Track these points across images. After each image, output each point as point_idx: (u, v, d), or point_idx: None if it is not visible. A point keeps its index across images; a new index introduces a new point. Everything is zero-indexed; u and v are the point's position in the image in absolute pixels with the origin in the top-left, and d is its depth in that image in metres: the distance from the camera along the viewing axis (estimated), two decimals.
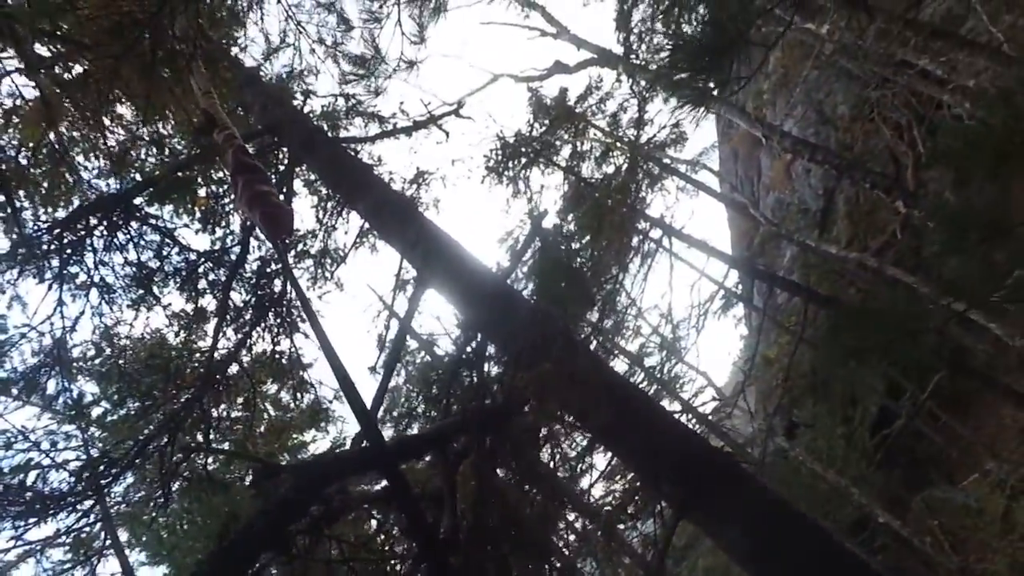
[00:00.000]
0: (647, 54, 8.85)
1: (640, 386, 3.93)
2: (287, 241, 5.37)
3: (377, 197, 5.54)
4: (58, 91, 4.92)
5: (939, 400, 6.55)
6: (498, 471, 3.53)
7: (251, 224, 6.72)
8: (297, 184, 7.42)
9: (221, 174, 6.64)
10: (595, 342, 7.51)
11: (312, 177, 7.42)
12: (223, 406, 5.78)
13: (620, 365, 9.85)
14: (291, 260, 6.94)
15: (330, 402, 7.02)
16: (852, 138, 9.39)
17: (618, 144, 10.38)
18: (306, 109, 7.35)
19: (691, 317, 8.29)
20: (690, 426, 3.48)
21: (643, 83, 8.79)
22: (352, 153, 6.65)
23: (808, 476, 6.70)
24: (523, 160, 9.16)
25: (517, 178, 9.14)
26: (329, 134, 7.00)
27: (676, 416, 3.87)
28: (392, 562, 3.08)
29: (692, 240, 7.66)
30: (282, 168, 6.82)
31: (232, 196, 6.35)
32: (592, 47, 10.71)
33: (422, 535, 2.21)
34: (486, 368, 4.42)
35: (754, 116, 9.33)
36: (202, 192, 6.44)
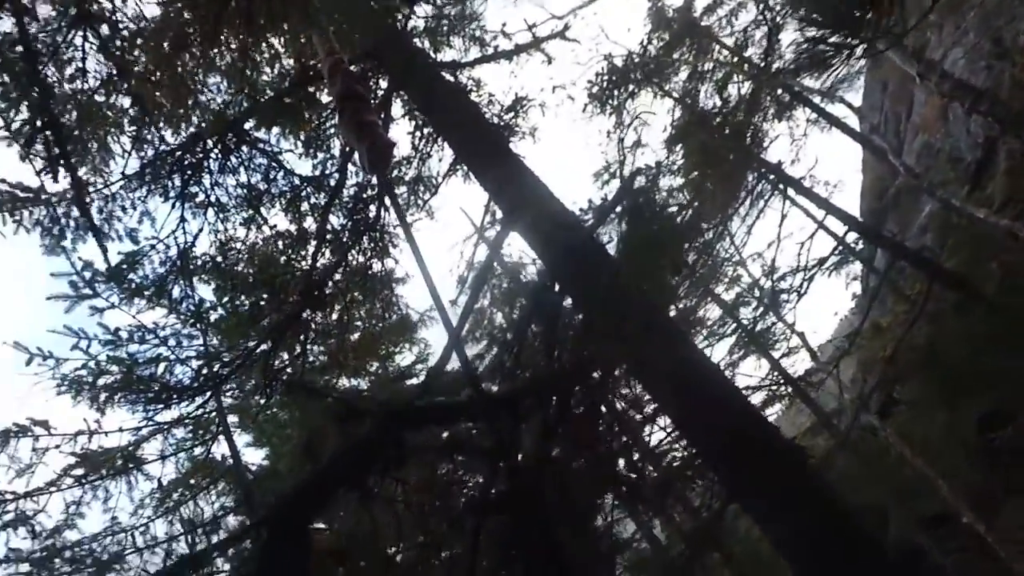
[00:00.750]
0: None
1: (715, 366, 3.76)
2: (385, 174, 5.52)
3: (469, 132, 5.46)
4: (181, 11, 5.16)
5: None
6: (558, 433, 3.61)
7: (351, 151, 6.94)
8: (396, 108, 7.47)
9: (327, 99, 6.81)
10: (678, 304, 7.23)
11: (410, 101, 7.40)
12: (320, 318, 6.28)
13: (712, 312, 9.48)
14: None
15: (416, 320, 7.41)
16: None
17: (744, 67, 9.31)
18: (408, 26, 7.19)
19: (798, 271, 7.69)
20: (758, 411, 3.33)
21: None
22: (449, 80, 6.51)
23: (894, 460, 6.27)
24: (630, 87, 8.51)
25: (622, 107, 8.56)
26: (429, 57, 6.87)
27: (746, 398, 3.70)
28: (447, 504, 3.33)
29: (810, 194, 6.92)
30: (381, 93, 6.84)
31: (337, 122, 6.54)
32: None
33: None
34: (561, 321, 4.42)
35: (911, 47, 7.94)
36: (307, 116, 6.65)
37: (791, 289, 7.70)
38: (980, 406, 6.29)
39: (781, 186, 6.88)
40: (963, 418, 6.33)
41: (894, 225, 10.06)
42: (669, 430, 3.91)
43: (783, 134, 8.62)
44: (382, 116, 6.75)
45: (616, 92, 8.46)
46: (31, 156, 3.17)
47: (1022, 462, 6.24)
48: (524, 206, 4.77)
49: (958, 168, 8.78)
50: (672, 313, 4.45)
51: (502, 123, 8.16)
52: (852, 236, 7.10)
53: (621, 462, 4.26)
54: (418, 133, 7.46)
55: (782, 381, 8.41)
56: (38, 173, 2.83)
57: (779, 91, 9.27)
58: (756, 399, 7.89)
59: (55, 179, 3.00)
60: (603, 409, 3.54)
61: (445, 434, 3.60)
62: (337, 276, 6.45)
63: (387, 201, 6.95)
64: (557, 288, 4.53)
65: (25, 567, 4.27)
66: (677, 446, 3.92)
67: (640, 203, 4.01)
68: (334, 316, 6.39)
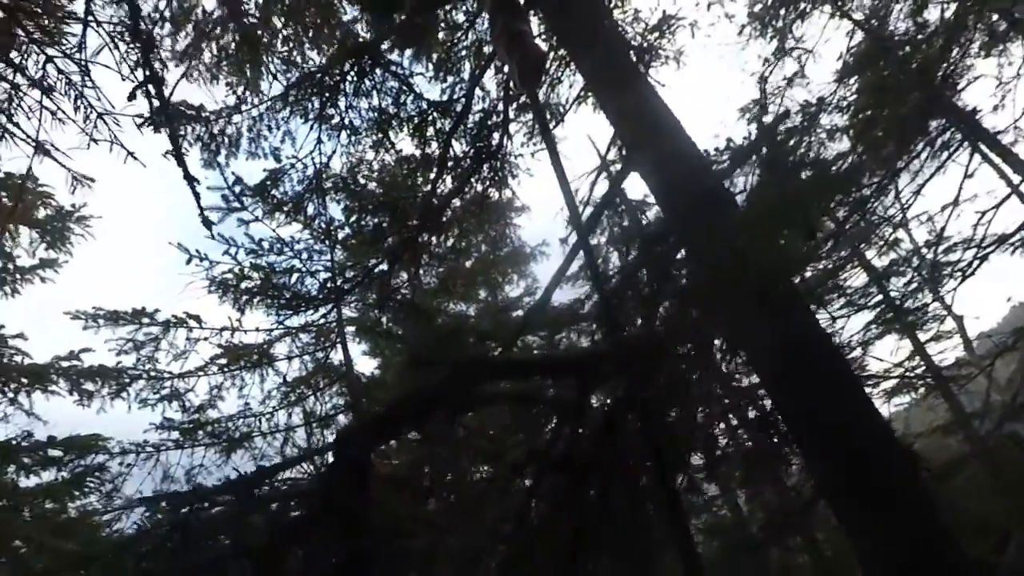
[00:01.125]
0: None
1: (832, 348, 3.31)
2: (535, 88, 5.34)
3: (600, 57, 5.05)
4: None
5: None
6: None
7: (480, 75, 6.81)
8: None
9: (460, 17, 6.66)
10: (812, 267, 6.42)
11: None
12: (436, 244, 6.49)
13: (856, 279, 8.36)
14: (512, 114, 6.95)
15: (528, 254, 7.41)
16: None
17: None
18: None
19: (971, 245, 6.47)
20: (870, 404, 2.92)
21: None
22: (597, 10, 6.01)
23: None
24: (800, 5, 7.29)
25: (786, 30, 7.42)
26: None
27: (861, 388, 3.24)
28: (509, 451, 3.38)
29: (1008, 152, 5.60)
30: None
31: (489, 34, 6.39)
32: None
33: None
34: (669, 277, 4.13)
35: None
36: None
37: (956, 265, 6.50)
38: None
39: (971, 138, 5.65)
40: None
41: None
42: (768, 409, 3.58)
43: (987, 74, 6.92)
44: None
45: (783, 11, 7.32)
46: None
47: None
48: (647, 142, 4.41)
49: None
50: (796, 280, 3.94)
51: (644, 44, 7.50)
52: None
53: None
54: (552, 54, 7.11)
55: (923, 369, 7.34)
56: (139, 127, 3.12)
57: (994, 16, 7.43)
58: (887, 384, 6.96)
59: (156, 130, 3.27)
60: (693, 379, 3.30)
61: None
62: (456, 203, 6.56)
63: (510, 129, 6.83)
64: (673, 239, 4.21)
65: (175, 434, 5.18)
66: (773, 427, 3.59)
67: (779, 153, 3.49)
68: (449, 242, 6.56)
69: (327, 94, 5.87)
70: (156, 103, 2.88)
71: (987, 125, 6.41)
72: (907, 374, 8.10)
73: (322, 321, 5.67)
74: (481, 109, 6.62)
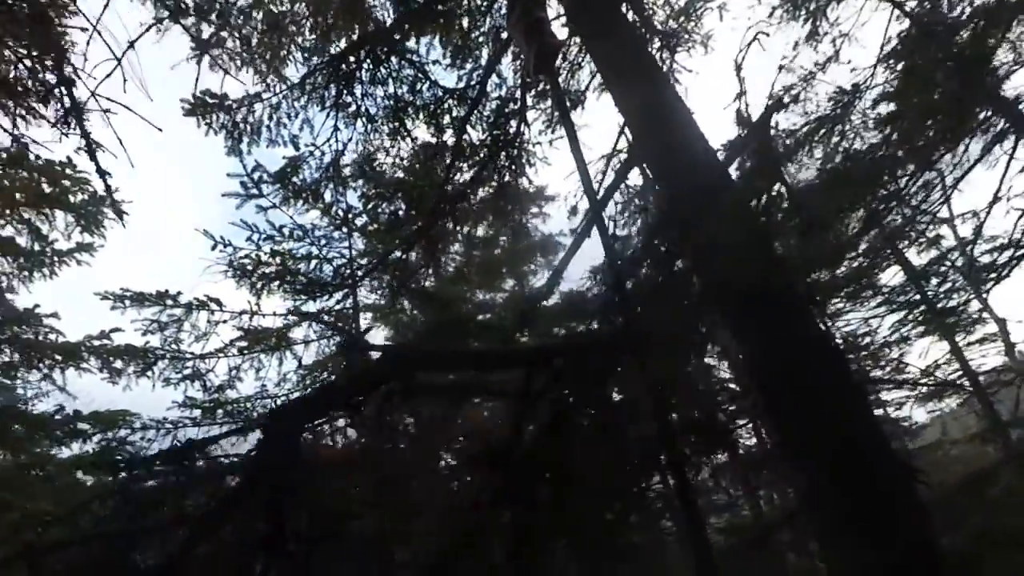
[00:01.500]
0: None
1: (831, 353, 3.20)
2: (552, 75, 5.31)
3: (614, 49, 4.96)
4: None
5: None
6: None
7: (497, 61, 6.76)
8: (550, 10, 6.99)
9: (479, 1, 6.61)
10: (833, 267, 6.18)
11: None
12: (451, 232, 6.54)
13: (891, 277, 8.01)
14: (530, 101, 6.87)
15: (543, 243, 7.38)
16: None
17: None
18: None
19: (1008, 246, 6.10)
20: (867, 412, 2.82)
21: None
22: None
23: None
24: None
25: (818, 12, 7.05)
26: None
27: (859, 394, 3.13)
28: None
29: None
30: None
31: (506, 20, 6.33)
32: None
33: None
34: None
35: None
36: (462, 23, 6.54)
37: (991, 266, 6.14)
38: None
39: (1014, 129, 5.30)
40: None
41: None
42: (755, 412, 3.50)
43: None
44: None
45: None
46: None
47: None
48: (653, 135, 4.33)
49: None
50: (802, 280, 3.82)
51: (669, 30, 7.29)
52: None
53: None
54: (569, 39, 7.00)
55: (959, 374, 7.00)
56: (53, 125, 3.31)
57: None
58: (922, 388, 6.67)
59: (66, 133, 3.43)
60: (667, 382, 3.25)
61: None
62: (471, 192, 6.57)
63: (528, 117, 6.77)
64: (673, 233, 4.14)
65: (196, 412, 5.45)
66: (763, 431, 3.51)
67: (766, 147, 3.38)
68: (465, 231, 6.59)
69: (343, 82, 5.95)
70: (68, 104, 3.09)
71: None
72: (938, 379, 7.77)
73: (338, 307, 5.81)
74: (498, 96, 6.60)
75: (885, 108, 7.26)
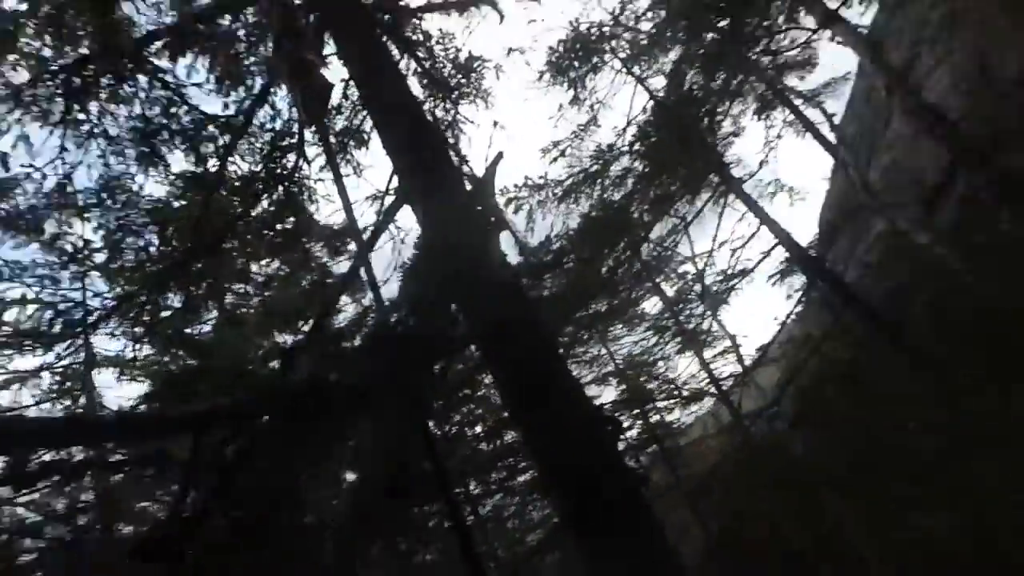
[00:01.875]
0: None
1: (570, 385, 3.52)
2: (320, 118, 5.11)
3: (380, 88, 5.02)
4: None
5: None
6: None
7: (268, 91, 6.45)
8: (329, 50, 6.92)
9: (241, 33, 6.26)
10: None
11: None
12: (212, 269, 5.95)
13: (653, 305, 9.30)
14: (309, 136, 6.66)
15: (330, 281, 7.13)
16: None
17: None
18: None
19: (729, 277, 7.53)
20: (604, 442, 3.15)
21: None
22: (382, 40, 5.97)
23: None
24: (593, 60, 7.99)
25: (578, 82, 8.07)
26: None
27: (594, 416, 3.52)
28: None
29: (749, 201, 6.63)
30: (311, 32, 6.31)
31: (272, 56, 6.02)
32: None
33: None
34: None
35: (886, 55, 7.54)
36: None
37: (719, 293, 7.57)
38: None
39: (723, 187, 6.60)
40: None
41: (846, 241, 9.83)
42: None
43: (755, 133, 8.26)
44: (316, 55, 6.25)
45: (576, 63, 7.96)
46: None
47: None
48: (418, 175, 4.47)
49: (915, 192, 8.50)
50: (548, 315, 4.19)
51: (454, 84, 7.68)
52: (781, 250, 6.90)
53: None
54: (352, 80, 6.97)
55: (708, 382, 8.40)
56: None
57: (761, 87, 8.81)
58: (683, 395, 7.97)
59: None
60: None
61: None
62: (238, 225, 6.10)
63: (307, 152, 6.55)
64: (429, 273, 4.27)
65: None
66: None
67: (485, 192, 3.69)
68: (232, 268, 6.07)
69: (74, 96, 5.15)
70: None
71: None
72: (692, 388, 9.25)
73: (64, 363, 4.87)
74: (272, 129, 6.28)
75: (636, 164, 8.52)
